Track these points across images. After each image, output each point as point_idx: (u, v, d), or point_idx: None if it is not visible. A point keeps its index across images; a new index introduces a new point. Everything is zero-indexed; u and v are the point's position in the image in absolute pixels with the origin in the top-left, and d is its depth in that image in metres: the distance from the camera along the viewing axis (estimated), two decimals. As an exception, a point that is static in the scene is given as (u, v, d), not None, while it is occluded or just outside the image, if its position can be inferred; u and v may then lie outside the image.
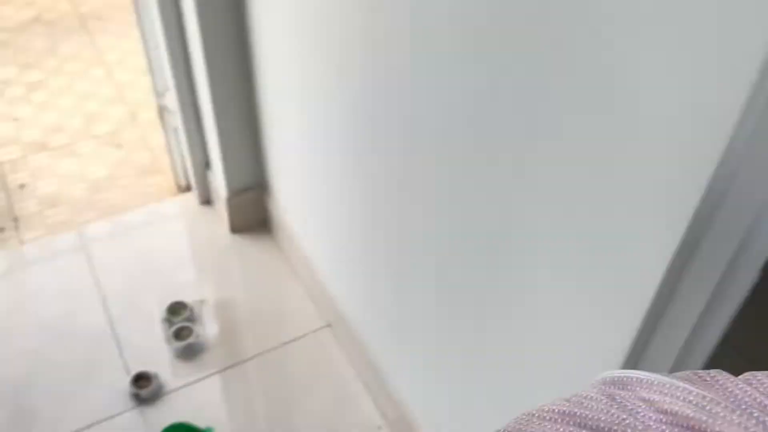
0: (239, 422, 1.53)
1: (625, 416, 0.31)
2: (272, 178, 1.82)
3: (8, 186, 2.15)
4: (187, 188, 2.09)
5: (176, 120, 1.89)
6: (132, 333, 1.68)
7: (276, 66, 1.49)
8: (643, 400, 0.32)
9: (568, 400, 0.35)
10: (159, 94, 1.87)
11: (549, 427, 0.33)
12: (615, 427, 0.31)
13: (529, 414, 0.35)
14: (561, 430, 0.33)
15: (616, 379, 0.36)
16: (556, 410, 0.34)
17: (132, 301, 1.75)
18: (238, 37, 1.57)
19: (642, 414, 0.31)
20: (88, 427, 1.49)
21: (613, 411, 0.32)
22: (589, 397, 0.35)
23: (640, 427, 0.31)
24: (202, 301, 1.74)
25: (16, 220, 2.04)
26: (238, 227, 1.93)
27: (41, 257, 1.88)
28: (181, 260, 1.90)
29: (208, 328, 1.68)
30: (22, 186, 2.15)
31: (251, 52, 1.57)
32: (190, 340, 1.63)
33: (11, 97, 2.50)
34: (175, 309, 1.70)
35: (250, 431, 1.52)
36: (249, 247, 1.91)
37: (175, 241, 1.95)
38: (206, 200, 2.02)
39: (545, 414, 0.35)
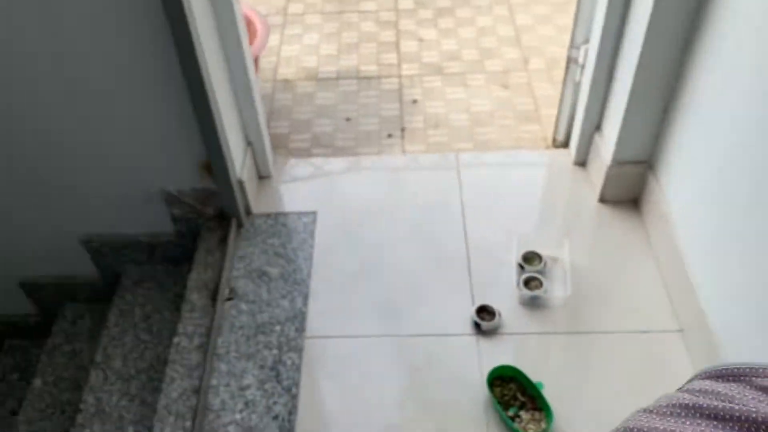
0: (561, 391, 1.50)
1: (754, 407, 0.28)
2: (664, 157, 1.68)
3: (403, 99, 2.35)
4: (562, 144, 2.06)
5: (582, 75, 1.84)
6: (483, 265, 1.74)
7: (731, 49, 1.33)
8: (763, 388, 0.30)
9: (681, 395, 0.32)
10: (574, 45, 1.83)
11: (672, 422, 0.30)
12: (753, 415, 0.28)
13: (645, 411, 0.32)
14: (688, 423, 0.29)
15: (724, 371, 0.33)
16: (677, 404, 0.31)
17: (488, 236, 1.81)
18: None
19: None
20: (432, 335, 1.60)
21: (745, 401, 0.29)
22: (703, 390, 0.31)
23: None
24: (556, 259, 1.72)
25: (403, 130, 2.24)
26: (607, 197, 1.85)
27: (419, 168, 2.03)
28: (541, 213, 1.89)
29: (557, 287, 1.66)
30: (414, 101, 2.34)
31: (705, 17, 1.43)
32: (538, 292, 1.62)
33: (421, 19, 2.72)
34: (530, 258, 1.71)
35: (570, 406, 1.47)
36: (614, 220, 1.82)
37: (540, 193, 1.95)
38: (581, 162, 1.96)
39: (664, 409, 0.31)
